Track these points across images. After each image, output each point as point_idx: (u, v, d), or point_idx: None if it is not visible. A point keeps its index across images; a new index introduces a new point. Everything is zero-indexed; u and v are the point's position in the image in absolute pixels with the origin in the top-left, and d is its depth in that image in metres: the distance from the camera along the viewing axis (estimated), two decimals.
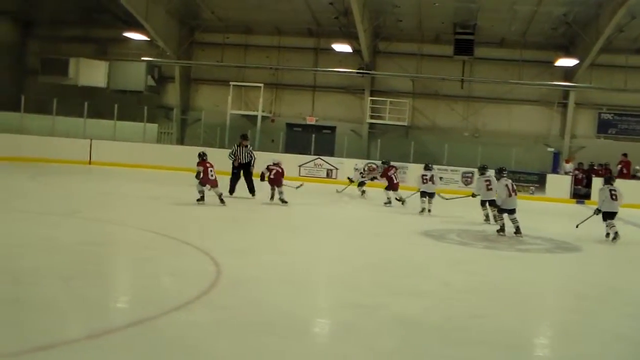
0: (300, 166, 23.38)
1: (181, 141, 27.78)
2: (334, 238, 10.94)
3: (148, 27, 24.81)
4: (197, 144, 25.71)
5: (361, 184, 18.80)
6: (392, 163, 17.26)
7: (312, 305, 6.42)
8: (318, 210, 15.13)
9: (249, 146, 16.27)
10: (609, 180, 12.78)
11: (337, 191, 18.71)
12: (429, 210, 14.82)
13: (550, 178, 23.13)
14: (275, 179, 14.59)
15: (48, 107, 24.17)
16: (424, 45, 26.45)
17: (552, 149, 25.69)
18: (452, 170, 23.37)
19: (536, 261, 10.07)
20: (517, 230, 11.97)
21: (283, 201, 14.53)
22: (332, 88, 27.38)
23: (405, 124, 26.35)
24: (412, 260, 9.16)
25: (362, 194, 18.50)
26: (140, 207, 12.85)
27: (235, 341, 4.96)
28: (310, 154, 24.22)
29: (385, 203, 16.25)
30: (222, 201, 13.38)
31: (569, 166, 24.05)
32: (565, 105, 25.74)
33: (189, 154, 24.06)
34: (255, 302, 6.09)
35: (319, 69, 27.02)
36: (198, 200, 13.29)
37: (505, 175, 12.56)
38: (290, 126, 27.66)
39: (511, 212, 12.07)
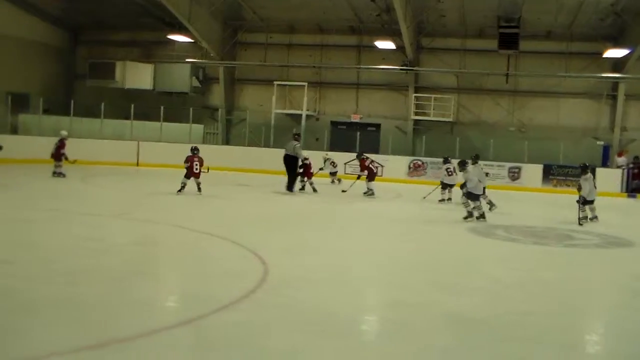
0: (345, 164, 23.32)
1: (227, 141, 28.00)
2: (380, 236, 10.87)
3: (192, 29, 25.08)
4: (242, 143, 25.94)
5: (333, 173, 20.62)
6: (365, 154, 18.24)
7: (362, 304, 6.39)
8: (362, 207, 15.06)
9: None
10: None
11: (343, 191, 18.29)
12: (449, 199, 16.01)
13: (600, 172, 22.61)
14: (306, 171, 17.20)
15: (96, 111, 24.63)
16: (467, 40, 26.11)
17: (602, 143, 25.08)
18: (498, 166, 23.04)
19: (587, 256, 9.86)
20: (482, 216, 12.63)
21: (314, 190, 17.09)
22: (376, 85, 27.25)
23: (450, 119, 26.07)
24: (460, 257, 9.05)
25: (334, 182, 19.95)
26: (187, 207, 12.98)
27: (284, 341, 4.96)
28: (355, 152, 24.14)
29: (365, 193, 16.76)
30: (199, 189, 14.68)
31: (621, 160, 23.45)
32: (614, 98, 25.09)
33: (235, 154, 24.45)
34: (304, 302, 6.09)
35: (362, 66, 26.92)
36: (178, 191, 14.46)
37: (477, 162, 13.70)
38: (334, 124, 27.63)
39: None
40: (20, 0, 26.03)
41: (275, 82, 26.96)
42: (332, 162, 20.98)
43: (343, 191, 17.20)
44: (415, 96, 26.32)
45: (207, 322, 5.30)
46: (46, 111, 24.75)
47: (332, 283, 6.95)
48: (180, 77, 27.81)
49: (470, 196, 12.63)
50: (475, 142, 24.51)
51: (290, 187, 16.56)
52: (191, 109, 25.81)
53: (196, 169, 14.66)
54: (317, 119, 27.74)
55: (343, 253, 8.89)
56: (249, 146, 25.46)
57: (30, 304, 5.50)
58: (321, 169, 20.08)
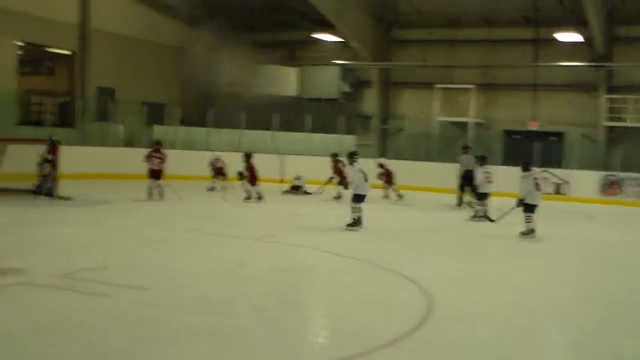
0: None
1: (382, 154, 28.05)
2: (566, 265, 10.45)
3: (341, 27, 25.45)
4: (400, 156, 25.82)
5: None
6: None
7: (543, 347, 6.13)
8: (542, 232, 14.53)
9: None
10: None
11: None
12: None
13: None
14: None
15: (235, 121, 25.54)
16: None
17: None
18: None
19: None
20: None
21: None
22: (558, 86, 26.34)
23: None
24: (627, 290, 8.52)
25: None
26: (335, 229, 13.10)
27: None
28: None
29: (335, 198, 18.06)
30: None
31: None
32: None
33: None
34: (478, 342, 5.96)
35: (540, 64, 26.15)
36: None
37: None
38: (508, 133, 26.96)
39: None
40: (156, 2, 27.63)
41: (437, 85, 26.77)
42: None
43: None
44: (607, 98, 25.16)
45: None
46: (182, 122, 26.02)
47: (509, 321, 6.74)
48: (328, 81, 28.26)
49: None
50: None
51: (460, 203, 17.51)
52: (342, 117, 26.10)
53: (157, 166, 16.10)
54: (488, 128, 27.20)
55: (520, 286, 8.62)
56: (408, 160, 25.37)
57: (166, 334, 5.76)
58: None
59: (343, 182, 17.53)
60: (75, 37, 24.98)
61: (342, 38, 26.91)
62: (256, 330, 6.04)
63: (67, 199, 15.18)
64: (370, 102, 28.97)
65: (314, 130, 25.63)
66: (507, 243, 12.53)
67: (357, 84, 29.17)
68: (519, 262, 10.57)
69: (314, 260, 9.93)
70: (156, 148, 16.77)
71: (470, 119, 26.12)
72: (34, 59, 26.70)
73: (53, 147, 15.55)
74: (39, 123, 23.48)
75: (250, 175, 16.93)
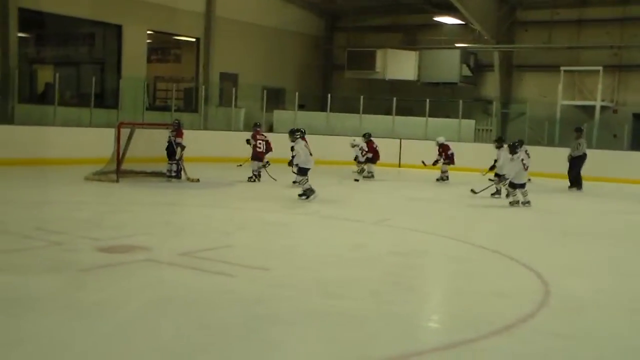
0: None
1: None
2: None
3: (462, 9, 25.14)
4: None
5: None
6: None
7: None
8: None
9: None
10: None
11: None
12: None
13: None
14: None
15: (354, 105, 25.75)
16: None
17: None
18: None
19: None
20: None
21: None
22: None
23: None
24: None
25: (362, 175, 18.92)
26: (453, 215, 13.09)
27: None
28: None
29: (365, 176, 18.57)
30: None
31: None
32: None
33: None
34: (592, 332, 5.90)
35: None
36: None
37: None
38: (637, 117, 25.95)
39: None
40: None
41: (562, 68, 26.00)
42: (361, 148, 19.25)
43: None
44: None
45: (477, 346, 5.33)
46: (301, 106, 26.42)
47: (628, 312, 6.62)
48: (448, 65, 28.03)
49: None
50: None
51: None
52: (461, 101, 25.84)
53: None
54: (615, 111, 26.24)
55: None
56: (529, 145, 24.82)
57: (283, 314, 5.97)
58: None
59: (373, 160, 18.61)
60: (201, 25, 25.79)
61: (464, 21, 26.56)
62: (371, 312, 6.17)
63: (195, 181, 15.84)
64: (490, 85, 28.51)
65: (433, 114, 25.46)
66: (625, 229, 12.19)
67: (477, 67, 28.78)
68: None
69: (430, 245, 9.98)
70: (257, 130, 17.27)
71: (597, 102, 25.25)
72: (161, 47, 27.81)
73: (179, 130, 16.17)
74: (164, 108, 24.47)
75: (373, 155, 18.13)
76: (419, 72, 28.65)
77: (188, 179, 15.94)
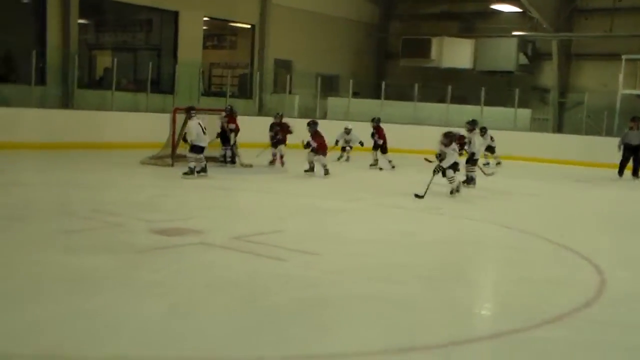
0: None
1: (558, 129, 27.22)
2: None
3: None
4: (578, 131, 24.94)
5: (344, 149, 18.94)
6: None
7: None
8: None
9: None
10: None
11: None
12: None
13: None
14: None
15: (408, 93, 25.64)
16: None
17: None
18: None
19: None
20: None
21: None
22: None
23: None
24: None
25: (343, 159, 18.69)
26: (508, 204, 12.99)
27: None
28: None
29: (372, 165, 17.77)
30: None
31: None
32: None
33: (569, 143, 23.66)
34: None
35: None
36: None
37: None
38: None
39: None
40: None
41: (624, 57, 25.45)
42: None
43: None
44: None
45: (528, 335, 5.30)
46: (355, 94, 26.40)
47: None
48: (505, 53, 27.72)
49: None
50: None
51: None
52: (517, 90, 25.52)
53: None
54: None
55: None
56: (587, 134, 24.44)
57: (333, 298, 6.02)
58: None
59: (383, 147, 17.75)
60: (256, 12, 25.94)
61: (522, 8, 26.19)
62: (421, 298, 6.18)
63: (248, 166, 15.98)
64: (548, 74, 28.07)
65: (488, 103, 25.18)
66: None
67: (535, 56, 28.37)
68: None
69: (481, 233, 9.94)
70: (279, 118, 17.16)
71: None
72: (217, 33, 28.03)
73: (232, 116, 16.30)
74: (219, 94, 24.69)
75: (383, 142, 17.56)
76: (475, 61, 28.40)
77: (242, 164, 16.09)
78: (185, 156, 14.60)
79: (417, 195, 12.15)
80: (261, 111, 24.90)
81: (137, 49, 24.53)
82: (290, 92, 25.32)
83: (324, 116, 25.06)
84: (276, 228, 9.01)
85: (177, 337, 4.82)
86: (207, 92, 24.83)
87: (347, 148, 18.88)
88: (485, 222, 10.63)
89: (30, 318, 5.02)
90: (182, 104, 17.89)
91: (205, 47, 25.62)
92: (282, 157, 16.51)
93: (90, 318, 5.10)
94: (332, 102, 26.78)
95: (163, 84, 22.86)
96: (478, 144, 14.34)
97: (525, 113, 26.04)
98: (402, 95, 26.07)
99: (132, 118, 19.91)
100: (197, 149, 13.66)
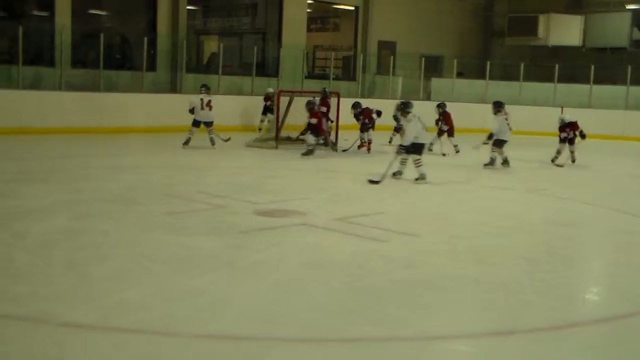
0: None
1: None
2: None
3: None
4: None
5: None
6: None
7: None
8: None
9: None
10: None
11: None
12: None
13: None
14: None
15: (514, 73, 25.08)
16: None
17: None
18: None
19: None
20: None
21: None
22: None
23: None
24: None
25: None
26: (613, 186, 12.62)
27: None
28: None
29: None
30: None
31: None
32: None
33: None
34: None
35: None
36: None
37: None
38: None
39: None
40: None
41: None
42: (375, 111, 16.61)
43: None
44: None
45: (634, 322, 5.21)
46: (460, 74, 26.04)
47: None
48: (617, 28, 26.76)
49: None
50: None
51: None
52: (629, 67, 24.55)
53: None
54: None
55: None
56: None
57: (433, 279, 6.05)
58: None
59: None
60: None
61: None
62: (525, 281, 6.11)
63: (344, 150, 15.93)
64: None
65: (598, 81, 24.32)
66: None
67: None
68: None
69: (588, 215, 9.75)
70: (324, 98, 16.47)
71: None
72: (321, 16, 28.15)
73: (326, 99, 16.25)
74: (323, 77, 24.80)
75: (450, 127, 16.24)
76: (584, 37, 27.50)
77: (338, 149, 15.87)
78: (289, 139, 14.78)
79: (371, 181, 11.03)
80: (365, 93, 24.88)
81: (242, 33, 24.93)
82: (393, 74, 25.18)
83: (428, 97, 24.82)
84: (377, 210, 9.06)
85: (281, 316, 4.94)
86: (311, 75, 25.00)
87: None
88: (591, 205, 10.36)
89: (137, 297, 5.24)
90: (286, 87, 18.11)
91: (309, 29, 25.80)
92: (369, 142, 15.99)
93: (195, 297, 5.28)
94: (436, 82, 26.48)
95: (268, 67, 23.18)
96: (498, 124, 13.73)
97: (638, 91, 25.01)
98: (507, 74, 25.56)
99: (238, 101, 20.34)
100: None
